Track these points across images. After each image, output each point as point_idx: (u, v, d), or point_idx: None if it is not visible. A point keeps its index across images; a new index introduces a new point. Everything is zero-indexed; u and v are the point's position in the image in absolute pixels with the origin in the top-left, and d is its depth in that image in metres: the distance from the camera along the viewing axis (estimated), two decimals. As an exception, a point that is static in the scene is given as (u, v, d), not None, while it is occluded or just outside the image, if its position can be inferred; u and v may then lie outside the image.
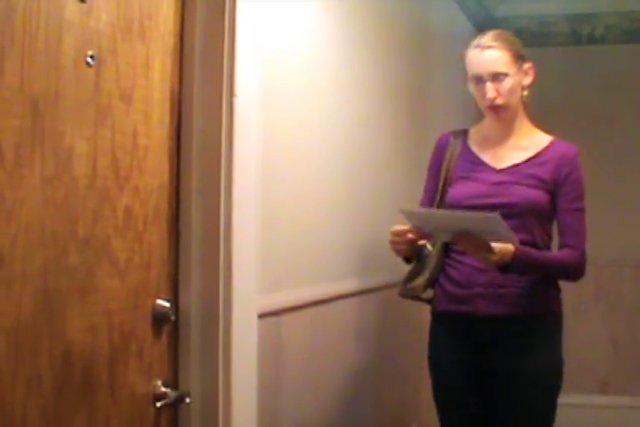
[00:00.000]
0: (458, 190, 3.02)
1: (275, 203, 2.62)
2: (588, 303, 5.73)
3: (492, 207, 2.82)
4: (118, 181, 2.03)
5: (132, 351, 2.10)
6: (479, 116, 3.13)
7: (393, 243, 2.87)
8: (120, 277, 2.05)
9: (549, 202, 2.97)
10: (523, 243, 2.85)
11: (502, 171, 3.01)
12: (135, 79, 2.08)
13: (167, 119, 2.23)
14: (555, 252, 3.02)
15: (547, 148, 3.04)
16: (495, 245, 2.73)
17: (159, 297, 2.21)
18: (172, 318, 2.24)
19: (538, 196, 2.95)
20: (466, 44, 2.99)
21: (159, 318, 2.21)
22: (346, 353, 3.30)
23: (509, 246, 2.77)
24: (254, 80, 2.42)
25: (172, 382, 2.27)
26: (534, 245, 2.94)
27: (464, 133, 3.15)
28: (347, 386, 3.31)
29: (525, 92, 3.03)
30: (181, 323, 2.31)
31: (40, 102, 1.75)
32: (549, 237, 3.04)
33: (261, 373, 2.31)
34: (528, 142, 3.06)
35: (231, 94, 2.31)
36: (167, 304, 2.22)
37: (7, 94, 1.65)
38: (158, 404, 2.18)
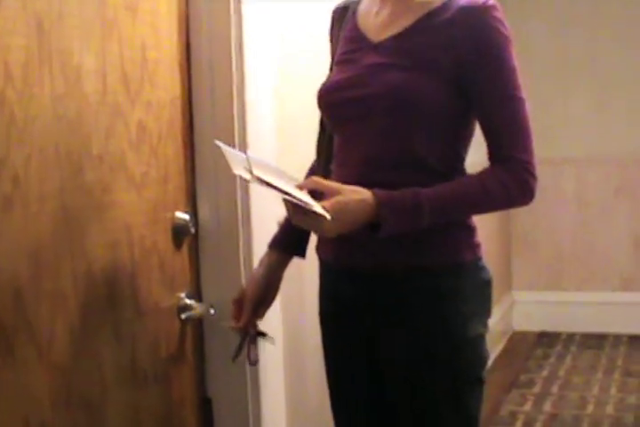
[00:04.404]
0: (326, 81, 2.04)
1: (289, 110, 2.59)
2: (610, 201, 5.71)
3: (348, 104, 1.95)
4: (129, 96, 2.01)
5: (154, 265, 2.12)
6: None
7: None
8: (137, 191, 2.05)
9: (441, 92, 1.87)
10: (404, 161, 1.91)
11: (379, 46, 1.94)
12: (140, -9, 2.04)
13: (175, 31, 2.19)
14: (468, 176, 1.94)
15: (443, 4, 1.91)
16: (325, 204, 1.75)
17: (178, 210, 2.22)
18: (192, 230, 2.25)
19: (412, 82, 1.87)
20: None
21: (179, 231, 2.22)
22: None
23: (357, 195, 1.79)
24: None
25: (196, 294, 2.29)
26: (420, 167, 1.91)
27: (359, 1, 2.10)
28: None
29: None
30: (201, 235, 2.32)
31: (45, 20, 1.72)
32: (455, 153, 1.96)
33: (284, 278, 2.32)
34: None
35: (239, 0, 2.27)
36: (186, 217, 2.23)
37: (10, 13, 1.63)
38: (183, 316, 2.21)
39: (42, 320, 1.73)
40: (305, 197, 1.73)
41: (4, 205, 1.62)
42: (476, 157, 2.07)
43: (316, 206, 1.71)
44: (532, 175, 1.88)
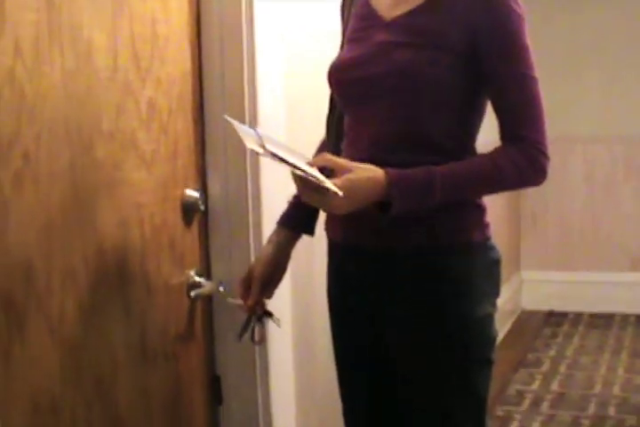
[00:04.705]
0: (336, 59, 2.01)
1: (299, 87, 2.58)
2: (619, 180, 5.69)
3: (358, 82, 1.93)
4: (140, 73, 1.99)
5: (164, 243, 2.11)
6: None
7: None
8: (147, 169, 2.04)
9: (452, 71, 1.85)
10: (414, 141, 1.89)
11: (392, 24, 1.91)
12: (151, -34, 2.03)
13: (185, 6, 2.18)
14: (480, 156, 1.91)
15: None
16: (336, 181, 1.72)
17: (188, 188, 2.21)
18: (202, 207, 2.25)
19: (422, 61, 1.84)
20: None
21: (189, 209, 2.21)
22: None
23: (368, 173, 1.77)
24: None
25: (206, 272, 2.29)
26: (431, 146, 1.89)
27: None
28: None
29: None
30: (211, 212, 2.31)
31: (55, -5, 1.71)
32: (466, 132, 1.94)
33: (293, 258, 2.31)
34: None
35: (250, -23, 2.25)
36: (196, 194, 2.22)
37: (20, -12, 1.62)
38: (192, 293, 2.21)
39: (52, 297, 1.73)
40: (316, 173, 1.72)
41: (15, 181, 1.61)
42: (488, 136, 2.06)
43: (327, 183, 1.69)
44: (544, 155, 1.86)
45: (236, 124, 1.80)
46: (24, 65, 1.63)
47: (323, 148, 2.13)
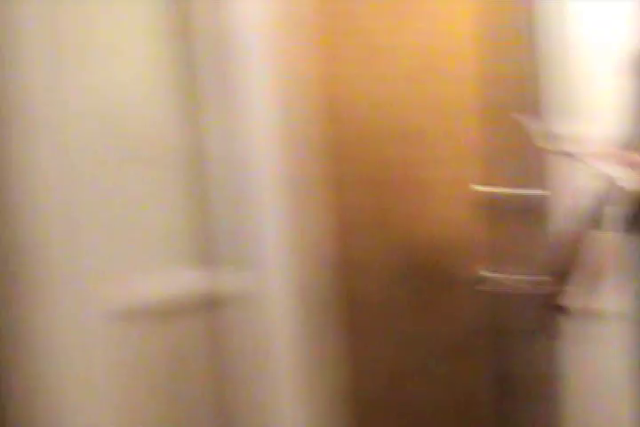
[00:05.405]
0: None
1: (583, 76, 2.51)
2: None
3: None
4: (430, 73, 2.02)
5: (454, 238, 2.15)
6: None
7: None
8: (438, 167, 2.05)
9: None
10: None
11: None
12: None
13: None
14: None
15: None
16: None
17: (478, 185, 2.19)
18: (492, 204, 2.23)
19: None
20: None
21: (479, 205, 2.20)
22: None
23: None
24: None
25: (496, 267, 2.27)
26: None
27: None
28: None
29: None
30: (501, 209, 2.26)
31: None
32: None
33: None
34: None
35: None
36: (486, 191, 2.19)
37: None
38: (483, 288, 2.20)
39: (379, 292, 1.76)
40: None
41: (333, 182, 1.67)
42: None
43: None
44: None
45: (527, 122, 1.78)
46: (340, 70, 1.68)
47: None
